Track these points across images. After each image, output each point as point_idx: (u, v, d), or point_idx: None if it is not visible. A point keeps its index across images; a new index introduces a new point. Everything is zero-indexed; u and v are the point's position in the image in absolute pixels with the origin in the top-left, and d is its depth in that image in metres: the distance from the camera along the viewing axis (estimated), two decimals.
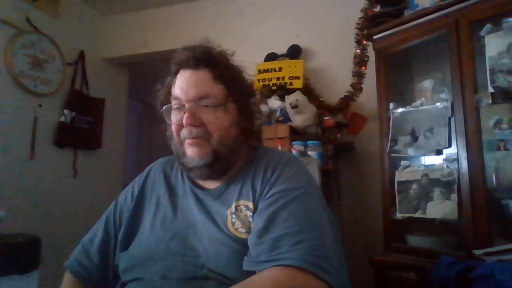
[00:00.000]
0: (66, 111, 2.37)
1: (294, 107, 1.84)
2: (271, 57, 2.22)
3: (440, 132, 1.37)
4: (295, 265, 0.58)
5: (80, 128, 2.48)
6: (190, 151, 0.76)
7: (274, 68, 2.13)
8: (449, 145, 1.34)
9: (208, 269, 0.68)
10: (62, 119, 2.36)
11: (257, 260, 0.63)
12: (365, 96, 1.95)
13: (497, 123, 1.21)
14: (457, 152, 1.29)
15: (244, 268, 0.65)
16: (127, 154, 3.23)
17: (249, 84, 0.87)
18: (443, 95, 1.40)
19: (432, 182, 1.36)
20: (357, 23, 1.90)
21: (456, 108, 1.31)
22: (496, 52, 1.21)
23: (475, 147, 1.24)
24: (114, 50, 2.80)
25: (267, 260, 0.61)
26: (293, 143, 1.76)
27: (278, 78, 2.08)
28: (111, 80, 2.91)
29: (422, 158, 1.50)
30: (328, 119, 1.91)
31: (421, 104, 1.47)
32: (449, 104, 1.35)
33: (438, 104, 1.40)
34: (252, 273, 0.63)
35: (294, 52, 2.20)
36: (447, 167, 1.34)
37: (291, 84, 2.04)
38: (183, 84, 0.76)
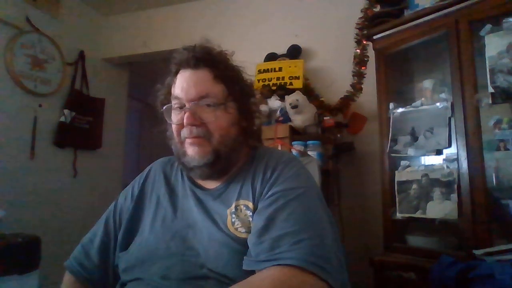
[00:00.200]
0: (66, 111, 2.38)
1: (294, 107, 1.84)
2: (271, 57, 2.22)
3: (440, 132, 1.37)
4: (295, 264, 0.58)
5: (80, 128, 2.49)
6: (191, 150, 0.76)
7: (274, 68, 2.13)
8: (449, 145, 1.34)
9: (208, 268, 0.68)
10: (62, 119, 2.36)
11: (257, 260, 0.63)
12: (365, 96, 1.95)
13: (497, 123, 1.22)
14: (457, 152, 1.29)
15: (244, 267, 0.65)
16: (127, 154, 3.23)
17: (249, 84, 0.87)
18: (443, 95, 1.40)
19: (432, 182, 1.36)
20: (357, 23, 1.91)
21: (456, 108, 1.31)
22: (496, 52, 1.21)
23: (475, 147, 1.24)
24: (114, 50, 2.80)
25: (267, 260, 0.61)
26: (293, 143, 1.76)
27: (278, 78, 2.09)
28: (111, 80, 2.91)
29: (422, 158, 1.50)
30: (328, 119, 1.91)
31: (421, 104, 1.47)
32: (449, 104, 1.35)
33: (438, 104, 1.40)
34: (252, 272, 0.63)
35: (294, 52, 2.20)
36: (447, 167, 1.34)
37: (291, 84, 2.04)
38: (183, 84, 0.76)
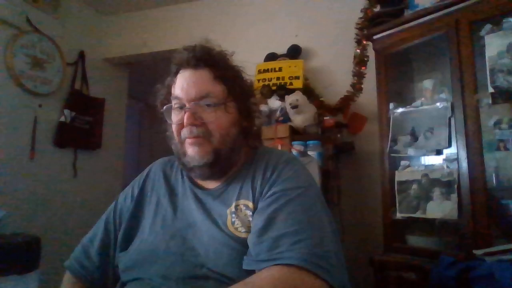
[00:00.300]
0: (66, 111, 2.37)
1: (294, 107, 1.84)
2: (271, 57, 2.22)
3: (440, 132, 1.37)
4: (295, 264, 0.58)
5: (80, 128, 2.48)
6: (191, 150, 0.76)
7: (274, 68, 2.13)
8: (449, 145, 1.34)
9: (208, 268, 0.68)
10: (62, 119, 2.36)
11: (256, 259, 0.63)
12: (365, 96, 1.95)
13: (497, 123, 1.21)
14: (457, 152, 1.29)
15: (244, 267, 0.65)
16: (127, 154, 3.23)
17: (249, 84, 0.87)
18: (443, 95, 1.40)
19: (432, 182, 1.36)
20: (357, 23, 1.90)
21: (456, 108, 1.31)
22: (496, 52, 1.21)
23: (475, 147, 1.24)
24: (114, 50, 2.80)
25: (267, 259, 0.61)
26: (293, 143, 1.76)
27: (278, 78, 2.08)
28: (111, 80, 2.91)
29: (422, 158, 1.50)
30: (328, 119, 1.91)
31: (421, 104, 1.47)
32: (449, 104, 1.35)
33: (438, 104, 1.39)
34: (252, 272, 0.63)
35: (294, 52, 2.19)
36: (447, 167, 1.34)
37: (291, 84, 2.04)
38: (183, 84, 0.76)
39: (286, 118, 1.88)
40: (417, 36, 1.49)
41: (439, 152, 1.38)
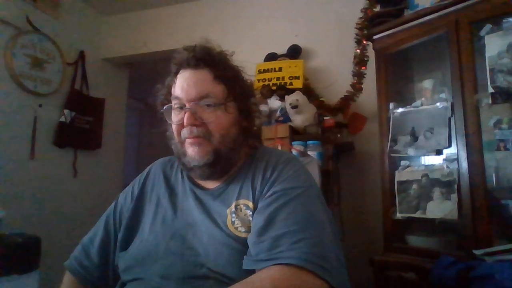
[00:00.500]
0: (66, 111, 2.37)
1: (294, 107, 1.84)
2: (271, 57, 2.22)
3: (440, 132, 1.37)
4: (295, 263, 0.58)
5: (80, 128, 2.48)
6: (191, 150, 0.76)
7: (274, 68, 2.13)
8: (449, 145, 1.34)
9: (207, 268, 0.68)
10: (62, 119, 2.36)
11: (256, 259, 0.63)
12: (365, 96, 1.95)
13: (497, 123, 1.21)
14: (457, 152, 1.29)
15: (244, 267, 0.65)
16: (127, 154, 3.23)
17: (249, 84, 0.87)
18: (443, 95, 1.40)
19: (432, 182, 1.36)
20: (357, 23, 1.91)
21: (456, 108, 1.31)
22: (496, 52, 1.21)
23: (475, 147, 1.24)
24: (114, 50, 2.80)
25: (267, 259, 0.61)
26: (293, 143, 1.76)
27: (278, 78, 2.08)
28: (111, 80, 2.91)
29: (422, 158, 1.50)
30: (328, 119, 1.92)
31: (421, 104, 1.47)
32: (449, 104, 1.35)
33: (438, 104, 1.39)
34: (252, 272, 0.63)
35: (294, 52, 2.19)
36: (447, 167, 1.34)
37: (291, 84, 2.04)
38: (183, 84, 0.76)
39: (286, 118, 1.89)
40: (417, 36, 1.49)
41: (439, 152, 1.38)
